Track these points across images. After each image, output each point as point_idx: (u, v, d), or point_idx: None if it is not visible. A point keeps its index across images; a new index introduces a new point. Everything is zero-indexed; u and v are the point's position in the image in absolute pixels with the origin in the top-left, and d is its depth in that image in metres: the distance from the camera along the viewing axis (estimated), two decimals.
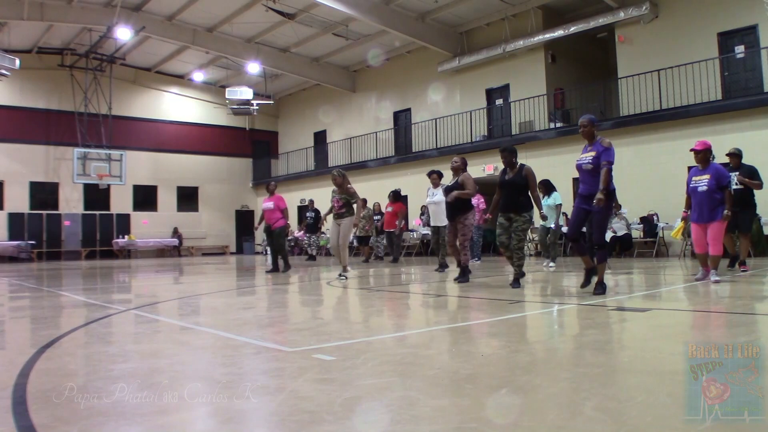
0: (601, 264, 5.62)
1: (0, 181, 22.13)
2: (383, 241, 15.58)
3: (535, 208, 6.72)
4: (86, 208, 23.70)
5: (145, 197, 25.12)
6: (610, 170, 5.40)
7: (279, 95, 27.46)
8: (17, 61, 18.78)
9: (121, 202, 24.32)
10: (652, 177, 13.90)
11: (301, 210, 22.72)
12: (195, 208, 26.45)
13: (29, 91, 22.59)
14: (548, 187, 10.38)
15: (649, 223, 13.76)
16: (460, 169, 7.73)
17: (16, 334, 4.51)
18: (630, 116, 14.91)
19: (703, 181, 6.61)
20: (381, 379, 2.60)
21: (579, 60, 18.15)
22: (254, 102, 22.82)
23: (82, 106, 22.66)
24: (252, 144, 28.06)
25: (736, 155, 8.06)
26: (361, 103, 24.20)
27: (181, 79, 25.94)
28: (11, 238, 21.74)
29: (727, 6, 14.12)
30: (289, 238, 18.69)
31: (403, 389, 2.42)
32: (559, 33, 16.85)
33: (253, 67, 22.61)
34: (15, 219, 22.08)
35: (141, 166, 24.51)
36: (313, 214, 16.72)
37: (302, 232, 19.56)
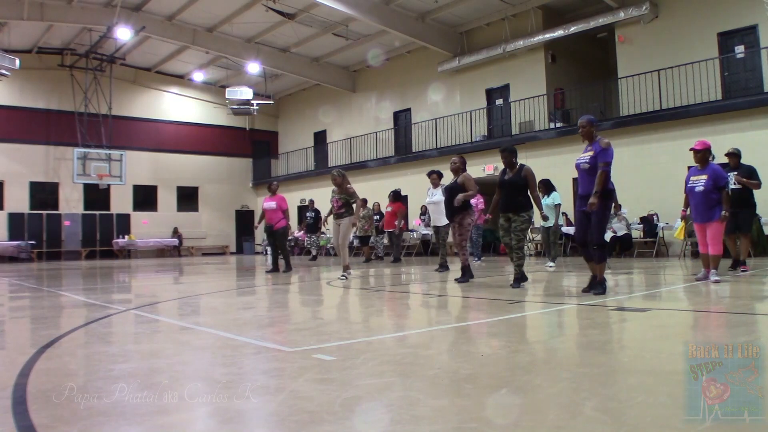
0: (601, 264, 5.62)
1: (0, 181, 22.13)
2: (383, 241, 15.60)
3: (536, 209, 6.73)
4: (86, 208, 23.70)
5: (145, 197, 25.12)
6: (605, 173, 5.40)
7: (279, 95, 27.47)
8: (17, 61, 18.78)
9: (121, 202, 24.32)
10: (652, 177, 13.90)
11: (301, 210, 22.72)
12: (195, 208, 26.46)
13: (29, 91, 22.59)
14: (548, 187, 10.38)
15: (649, 223, 13.76)
16: (459, 170, 7.73)
17: (16, 334, 4.51)
18: (630, 116, 14.91)
19: (700, 182, 6.63)
20: (381, 379, 2.60)
21: (579, 60, 18.15)
22: (254, 102, 22.82)
23: (82, 106, 22.66)
24: (252, 144, 28.06)
25: (734, 155, 8.07)
26: (361, 103, 24.21)
27: (181, 79, 25.94)
28: (11, 238, 21.74)
29: (727, 6, 14.13)
30: (290, 238, 18.69)
31: (403, 389, 2.43)
32: (559, 33, 16.85)
33: (253, 67, 22.61)
34: (15, 219, 22.08)
35: (141, 166, 24.51)
36: (313, 214, 16.72)
37: (302, 232, 19.56)
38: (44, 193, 22.99)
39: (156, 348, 3.66)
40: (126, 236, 23.76)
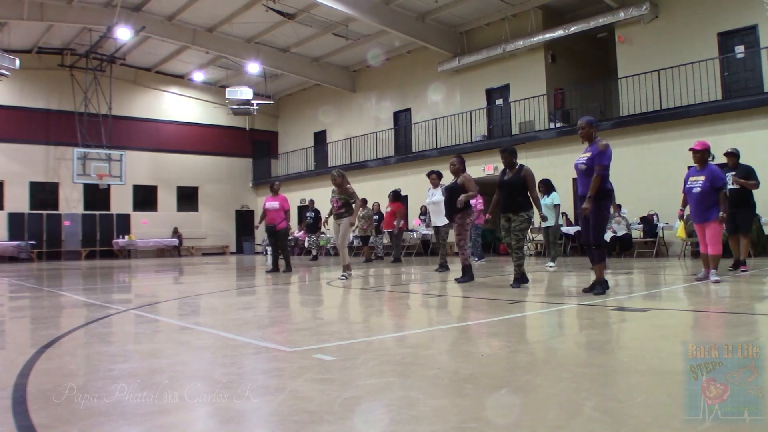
0: (599, 264, 5.63)
1: (0, 181, 22.13)
2: (382, 241, 15.60)
3: (537, 209, 6.74)
4: (86, 208, 23.70)
5: (145, 197, 25.12)
6: (601, 176, 5.41)
7: (279, 95, 27.47)
8: (17, 61, 18.78)
9: (121, 202, 24.32)
10: (652, 177, 13.89)
11: (302, 210, 22.72)
12: (195, 208, 26.46)
13: (29, 91, 22.59)
14: (548, 187, 10.40)
15: (649, 223, 13.76)
16: (459, 171, 7.74)
17: (16, 334, 4.51)
18: (630, 116, 14.91)
19: (698, 183, 6.65)
20: (381, 379, 2.60)
21: (579, 60, 18.15)
22: (254, 102, 22.82)
23: (82, 106, 22.66)
24: (252, 144, 28.06)
25: (733, 155, 8.08)
26: (361, 103, 24.21)
27: (181, 79, 25.94)
28: (11, 238, 21.74)
29: (727, 6, 14.13)
30: (290, 238, 18.70)
31: (403, 389, 2.43)
32: (559, 33, 16.86)
33: (253, 67, 22.61)
34: (15, 219, 22.08)
35: (141, 166, 24.51)
36: (313, 214, 16.73)
37: (302, 232, 19.56)
38: (44, 193, 22.99)
39: (156, 348, 3.66)
40: (126, 236, 23.76)
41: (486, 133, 18.70)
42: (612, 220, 13.16)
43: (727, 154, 8.16)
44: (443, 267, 9.59)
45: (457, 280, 7.46)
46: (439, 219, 9.79)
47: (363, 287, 7.75)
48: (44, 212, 22.77)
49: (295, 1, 18.52)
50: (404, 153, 20.98)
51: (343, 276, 8.49)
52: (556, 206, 10.31)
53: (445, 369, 2.83)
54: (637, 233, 14.00)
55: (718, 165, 7.21)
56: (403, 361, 3.00)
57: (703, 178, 6.63)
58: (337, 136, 24.71)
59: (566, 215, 14.29)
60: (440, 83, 20.50)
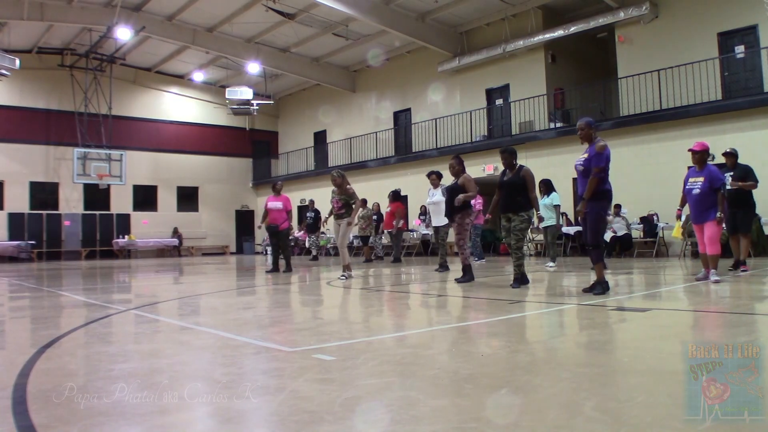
0: (598, 264, 5.64)
1: (0, 181, 22.13)
2: (381, 241, 15.61)
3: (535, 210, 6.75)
4: (86, 208, 23.71)
5: (145, 197, 25.12)
6: (598, 179, 5.43)
7: (279, 95, 27.47)
8: (17, 61, 18.79)
9: (121, 202, 24.32)
10: (652, 177, 13.89)
11: (302, 210, 22.72)
12: (195, 208, 26.46)
13: (29, 91, 22.59)
14: (548, 187, 10.40)
15: (649, 223, 13.76)
16: (459, 172, 7.74)
17: (16, 334, 4.51)
18: (630, 116, 14.91)
19: (698, 184, 6.68)
20: (381, 379, 2.60)
21: (579, 60, 18.15)
22: (254, 102, 22.82)
23: (82, 106, 22.67)
24: (252, 144, 28.07)
25: (731, 155, 8.10)
26: (361, 103, 24.21)
27: (181, 79, 25.95)
28: (11, 238, 21.74)
29: (727, 6, 14.12)
30: (290, 238, 18.71)
31: (403, 389, 2.43)
32: (559, 33, 16.86)
33: (253, 67, 22.61)
34: (15, 219, 22.08)
35: (141, 166, 24.51)
36: (313, 214, 16.73)
37: (302, 232, 19.56)
38: (44, 193, 22.99)
39: (156, 348, 3.66)
40: (126, 236, 23.76)
41: (486, 133, 18.70)
42: (612, 220, 13.16)
43: (725, 155, 8.18)
44: (443, 267, 9.59)
45: (457, 280, 7.46)
46: (439, 219, 9.79)
47: (363, 287, 7.76)
48: (44, 212, 22.78)
49: (295, 1, 18.52)
50: (404, 153, 20.98)
51: (343, 276, 8.50)
52: (556, 206, 10.31)
53: (445, 369, 2.83)
54: (637, 233, 14.00)
55: (716, 165, 7.22)
56: (403, 361, 3.00)
57: (702, 179, 6.65)
58: (337, 136, 24.71)
59: (566, 215, 14.28)
60: (440, 83, 20.50)
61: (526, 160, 14.50)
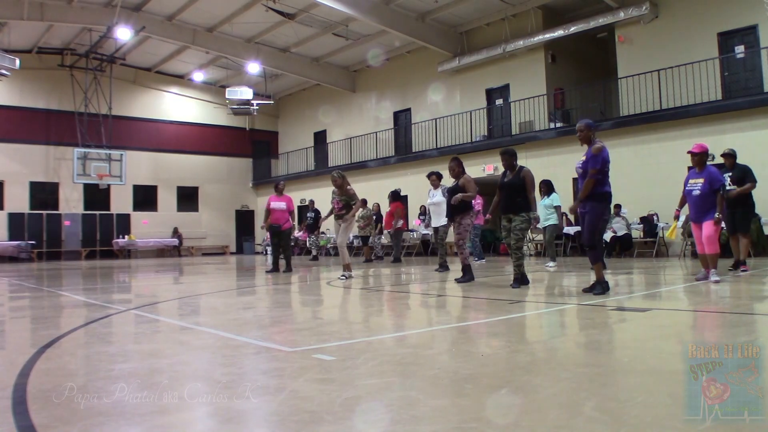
0: (597, 264, 5.65)
1: (0, 181, 22.13)
2: (381, 241, 15.61)
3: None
4: (86, 208, 23.71)
5: (145, 197, 25.12)
6: (594, 180, 5.43)
7: (279, 95, 27.47)
8: (17, 61, 18.78)
9: (121, 202, 24.32)
10: (652, 177, 13.89)
11: (302, 210, 22.72)
12: (195, 208, 26.46)
13: (29, 91, 22.59)
14: (549, 187, 10.40)
15: (649, 223, 13.76)
16: (459, 174, 7.75)
17: (16, 334, 4.51)
18: (630, 116, 14.91)
19: (698, 185, 6.71)
20: (381, 379, 2.60)
21: (579, 60, 18.15)
22: (254, 102, 22.82)
23: (82, 106, 22.67)
24: (252, 144, 28.07)
25: (730, 156, 8.11)
26: (361, 103, 24.21)
27: (181, 79, 25.95)
28: (11, 238, 21.74)
29: (727, 6, 14.13)
30: (291, 237, 18.72)
31: (403, 389, 2.43)
32: (559, 33, 16.86)
33: (253, 67, 22.61)
34: (15, 219, 22.08)
35: (141, 166, 24.52)
36: (313, 214, 16.74)
37: (302, 232, 19.56)
38: (44, 193, 22.99)
39: (156, 348, 3.66)
40: (126, 236, 23.76)
41: (486, 133, 18.70)
42: (612, 220, 13.15)
43: (724, 155, 8.20)
44: (443, 267, 9.60)
45: (457, 280, 7.46)
46: (439, 220, 9.79)
47: (363, 287, 7.76)
48: (44, 212, 22.78)
49: (295, 1, 18.52)
50: (404, 153, 20.98)
51: (343, 276, 8.50)
52: (557, 207, 10.32)
53: (445, 369, 2.83)
54: (637, 233, 14.00)
55: (715, 165, 7.22)
56: (403, 361, 3.00)
57: (702, 180, 6.67)
58: (337, 136, 24.71)
59: (566, 215, 14.28)
60: (440, 83, 20.50)
61: (526, 160, 14.50)
